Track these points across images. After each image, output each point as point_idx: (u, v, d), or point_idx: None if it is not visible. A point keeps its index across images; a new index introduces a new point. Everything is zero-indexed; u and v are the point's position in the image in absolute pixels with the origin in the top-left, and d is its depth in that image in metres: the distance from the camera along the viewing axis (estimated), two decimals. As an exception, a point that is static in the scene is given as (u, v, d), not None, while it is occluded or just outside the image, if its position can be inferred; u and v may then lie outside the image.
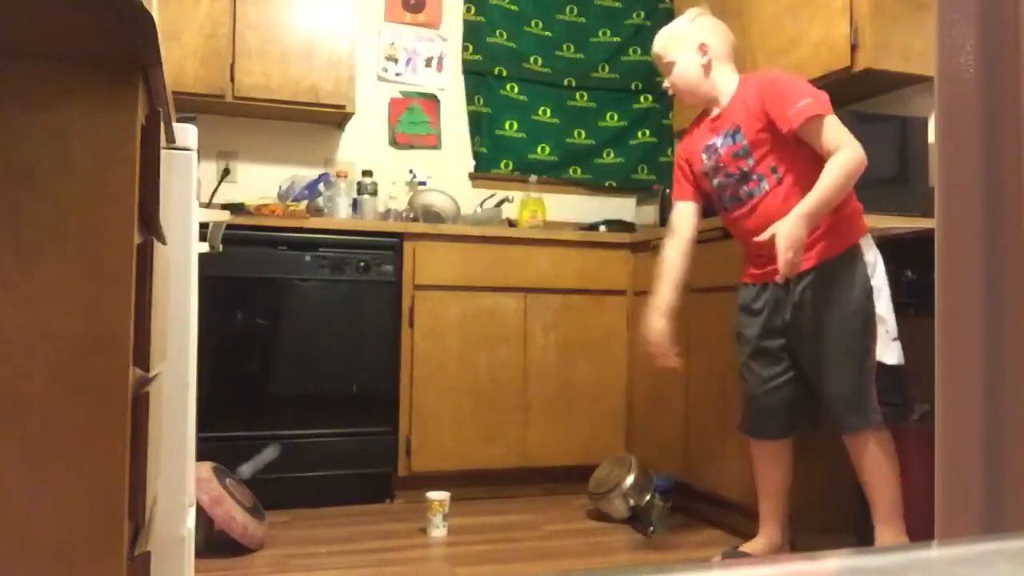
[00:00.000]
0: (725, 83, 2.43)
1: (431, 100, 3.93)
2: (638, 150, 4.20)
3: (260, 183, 3.56)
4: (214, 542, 2.46)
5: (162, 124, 1.16)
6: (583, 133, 4.13)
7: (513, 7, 4.02)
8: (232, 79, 3.29)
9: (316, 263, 3.09)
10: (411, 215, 3.55)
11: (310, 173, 3.52)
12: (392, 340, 3.17)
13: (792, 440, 2.40)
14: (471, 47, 3.96)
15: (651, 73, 4.22)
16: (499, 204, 3.77)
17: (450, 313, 3.23)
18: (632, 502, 2.86)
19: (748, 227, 2.38)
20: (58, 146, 0.94)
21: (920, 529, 2.20)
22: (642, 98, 4.22)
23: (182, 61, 3.20)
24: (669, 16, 4.06)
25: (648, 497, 2.85)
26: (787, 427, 2.38)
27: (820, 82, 2.70)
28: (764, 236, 2.19)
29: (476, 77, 3.97)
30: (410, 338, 3.18)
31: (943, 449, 1.05)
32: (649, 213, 3.69)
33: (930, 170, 2.85)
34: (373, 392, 3.14)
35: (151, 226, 1.16)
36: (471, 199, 3.83)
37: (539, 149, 4.05)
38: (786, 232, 2.13)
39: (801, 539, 2.48)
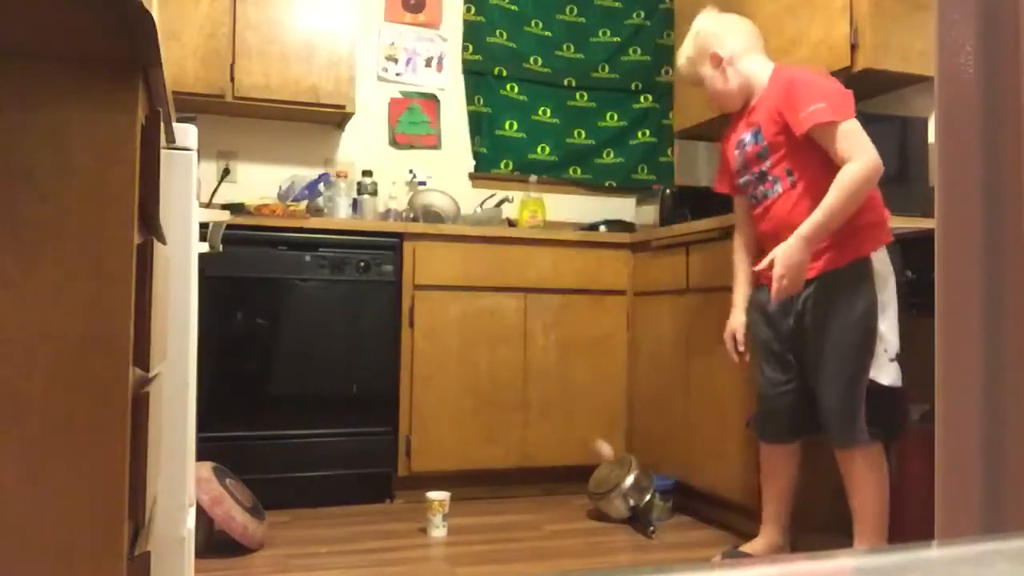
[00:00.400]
0: (756, 75, 2.40)
1: (431, 100, 3.93)
2: (638, 150, 4.20)
3: (260, 183, 3.56)
4: (214, 542, 2.46)
5: (162, 124, 1.16)
6: (583, 133, 4.13)
7: (513, 7, 4.02)
8: (232, 79, 3.29)
9: (316, 263, 3.09)
10: (411, 215, 3.55)
11: (310, 173, 3.52)
12: (392, 340, 3.17)
13: (801, 445, 2.39)
14: (471, 47, 3.96)
15: (651, 73, 4.23)
16: (499, 204, 3.77)
17: (450, 313, 3.23)
18: (632, 502, 2.86)
19: (762, 229, 2.38)
20: (58, 146, 0.94)
21: (920, 529, 2.20)
22: (642, 98, 4.21)
23: (182, 61, 3.21)
24: (669, 16, 4.07)
25: (648, 497, 2.86)
26: (796, 431, 2.37)
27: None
28: (763, 264, 2.19)
29: (476, 77, 3.97)
30: (410, 338, 3.18)
31: (943, 449, 1.05)
32: (649, 213, 3.69)
33: (930, 170, 2.85)
34: (373, 392, 3.14)
35: (151, 226, 1.16)
36: (471, 199, 3.83)
37: (539, 149, 4.05)
38: (783, 258, 2.13)
39: (801, 539, 2.48)
